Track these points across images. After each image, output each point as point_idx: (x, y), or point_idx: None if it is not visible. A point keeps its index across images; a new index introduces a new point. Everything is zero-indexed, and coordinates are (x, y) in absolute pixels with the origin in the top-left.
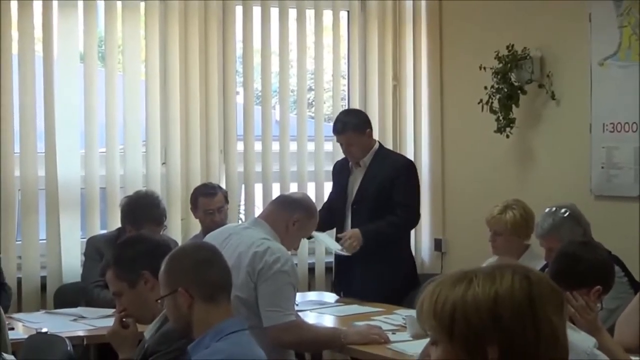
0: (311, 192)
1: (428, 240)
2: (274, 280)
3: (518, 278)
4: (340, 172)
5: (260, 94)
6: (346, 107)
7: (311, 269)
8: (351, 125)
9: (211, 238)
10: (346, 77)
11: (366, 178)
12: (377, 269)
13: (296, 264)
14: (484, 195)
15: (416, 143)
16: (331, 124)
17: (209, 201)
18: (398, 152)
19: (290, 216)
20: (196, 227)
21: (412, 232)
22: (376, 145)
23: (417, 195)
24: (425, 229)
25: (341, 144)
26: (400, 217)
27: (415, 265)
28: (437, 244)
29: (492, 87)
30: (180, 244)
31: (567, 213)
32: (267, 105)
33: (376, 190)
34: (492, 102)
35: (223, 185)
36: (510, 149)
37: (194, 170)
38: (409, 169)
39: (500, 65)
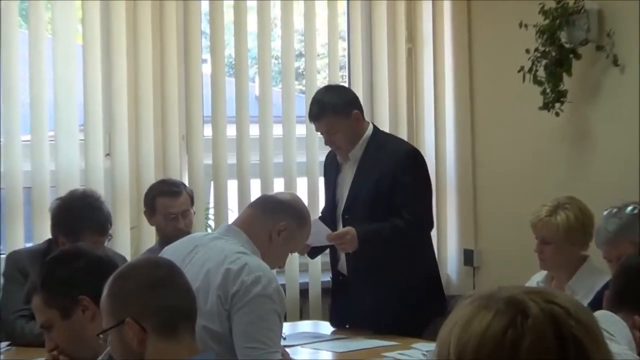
0: (302, 191)
1: (455, 251)
2: (254, 308)
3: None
4: (330, 170)
5: (233, 62)
6: (346, 78)
7: (304, 292)
8: (330, 106)
9: (171, 251)
10: (346, 39)
11: (358, 176)
12: (390, 290)
13: (283, 286)
14: (527, 192)
15: (438, 126)
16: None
17: (170, 202)
18: (410, 138)
19: (275, 223)
20: (150, 237)
21: (434, 241)
22: (369, 131)
23: (426, 192)
24: (452, 237)
25: (322, 133)
26: (408, 221)
27: (441, 283)
28: (468, 257)
29: (537, 50)
30: (129, 259)
31: (637, 210)
32: (243, 76)
33: (372, 192)
34: (536, 70)
35: (185, 182)
36: (560, 130)
37: (146, 163)
38: (413, 158)
39: (547, 21)
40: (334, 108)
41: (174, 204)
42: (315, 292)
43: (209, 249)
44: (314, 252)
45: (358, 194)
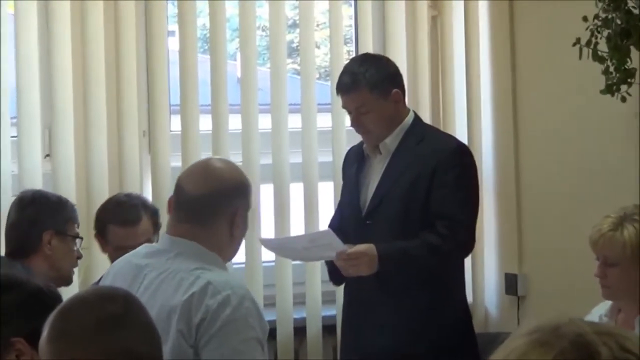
0: (299, 198)
1: (495, 277)
2: (225, 338)
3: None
4: (352, 166)
5: (207, 34)
6: (354, 54)
7: (299, 329)
8: (367, 79)
9: (111, 279)
10: (353, 5)
11: (389, 173)
12: (406, 324)
13: (273, 322)
14: (585, 200)
15: (470, 116)
16: (328, 83)
17: (127, 234)
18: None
19: (230, 209)
20: (104, 262)
21: (467, 262)
22: (409, 119)
23: (474, 203)
24: (491, 259)
25: (349, 112)
26: (445, 237)
27: (470, 317)
28: (510, 283)
29: (597, 17)
30: (76, 290)
31: None
32: (220, 52)
33: (404, 194)
34: (596, 43)
35: (147, 191)
36: (627, 119)
37: (97, 167)
38: (460, 155)
39: None
40: (370, 82)
41: (131, 236)
42: (314, 329)
43: (160, 270)
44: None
45: (386, 194)
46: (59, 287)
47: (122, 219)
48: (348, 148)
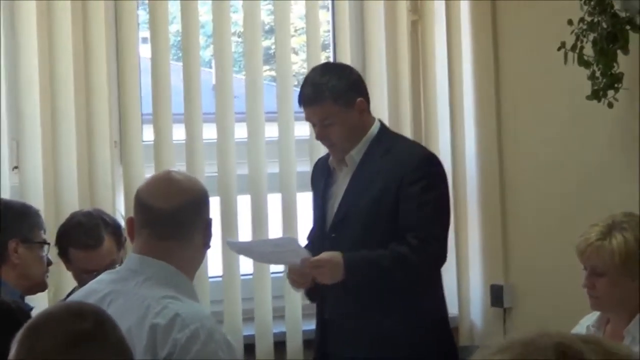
0: (274, 211)
1: (480, 288)
2: None
3: None
4: (319, 179)
5: (180, 40)
6: (332, 60)
7: (279, 344)
8: (328, 90)
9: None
10: (330, 8)
11: (354, 185)
12: (383, 341)
13: (251, 337)
14: (572, 208)
15: (454, 122)
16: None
17: (87, 257)
18: (416, 139)
19: (202, 220)
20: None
21: (452, 274)
22: (374, 128)
23: (443, 214)
24: (475, 269)
25: (313, 125)
26: (414, 248)
27: (450, 332)
28: (496, 295)
29: (583, 21)
30: (45, 305)
31: None
32: (193, 59)
33: (369, 206)
34: (582, 48)
35: (120, 203)
36: (614, 126)
37: (67, 179)
38: (427, 165)
39: None
40: (334, 93)
41: (93, 259)
42: (294, 344)
43: (124, 297)
44: (316, 291)
45: (351, 207)
46: (34, 294)
47: (83, 242)
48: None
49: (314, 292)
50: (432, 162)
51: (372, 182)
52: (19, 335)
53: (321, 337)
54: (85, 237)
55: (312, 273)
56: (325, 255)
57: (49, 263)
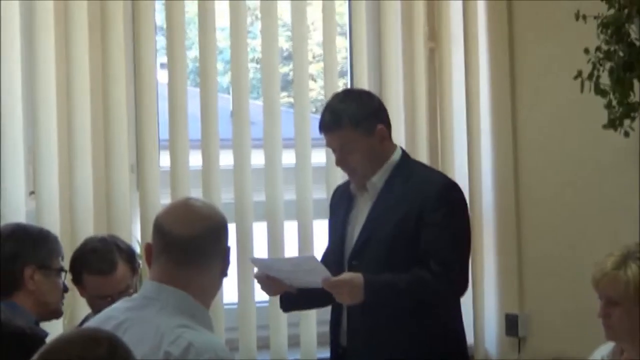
0: (292, 238)
1: (495, 317)
2: None
3: None
4: (339, 205)
5: (198, 66)
6: (349, 87)
7: None
8: (348, 116)
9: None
10: (347, 35)
11: (375, 212)
12: (391, 353)
13: None
14: (588, 238)
15: (470, 149)
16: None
17: (101, 283)
18: (433, 167)
19: (221, 248)
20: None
21: (467, 303)
22: (395, 155)
23: (465, 241)
24: (490, 299)
25: (333, 150)
26: (436, 274)
27: (466, 353)
28: (511, 324)
29: (599, 50)
30: (61, 331)
31: None
32: (211, 85)
33: (391, 234)
34: (598, 76)
35: (136, 229)
36: (630, 155)
37: (83, 204)
38: (449, 193)
39: (612, 11)
40: (353, 119)
41: (107, 285)
42: None
43: (139, 325)
44: (292, 301)
45: (372, 234)
46: (49, 320)
47: (97, 268)
48: None
49: (288, 303)
50: (453, 190)
51: (394, 209)
52: None
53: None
54: (99, 262)
55: (332, 293)
56: (345, 276)
57: (65, 290)
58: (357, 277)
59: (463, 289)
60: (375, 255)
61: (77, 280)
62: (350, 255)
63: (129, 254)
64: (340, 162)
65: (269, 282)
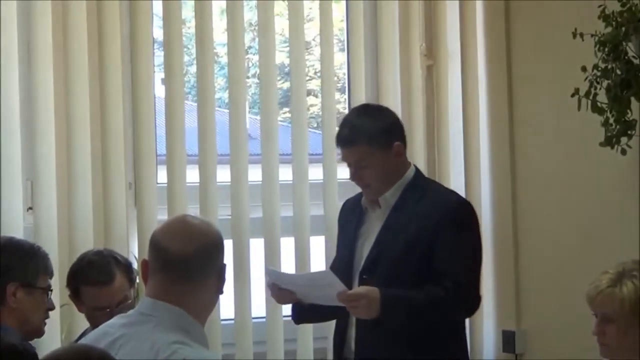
0: (289, 253)
1: (492, 334)
2: None
3: None
4: (349, 219)
5: (195, 82)
6: (347, 102)
7: None
8: (367, 132)
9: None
10: (345, 50)
11: (388, 228)
12: None
13: None
14: (584, 256)
15: (467, 167)
16: (320, 132)
17: (99, 294)
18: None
19: (217, 265)
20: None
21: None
22: (410, 172)
23: (477, 260)
24: (488, 315)
25: (349, 165)
26: (450, 292)
27: None
28: (508, 341)
29: (597, 67)
30: (58, 345)
31: None
32: (208, 101)
33: (403, 250)
34: (595, 94)
35: (133, 245)
36: (627, 173)
37: (81, 220)
38: (463, 212)
39: (609, 29)
40: (371, 135)
41: (105, 296)
42: None
43: (135, 341)
44: (303, 313)
45: (385, 250)
46: (30, 340)
47: (94, 279)
48: (339, 201)
49: (300, 315)
50: (467, 209)
51: (406, 226)
52: None
53: None
54: (96, 274)
55: (347, 307)
56: (362, 289)
57: (51, 308)
58: (373, 290)
59: (476, 307)
60: (386, 272)
61: (75, 295)
62: (361, 269)
63: (126, 266)
64: (354, 177)
65: (279, 292)
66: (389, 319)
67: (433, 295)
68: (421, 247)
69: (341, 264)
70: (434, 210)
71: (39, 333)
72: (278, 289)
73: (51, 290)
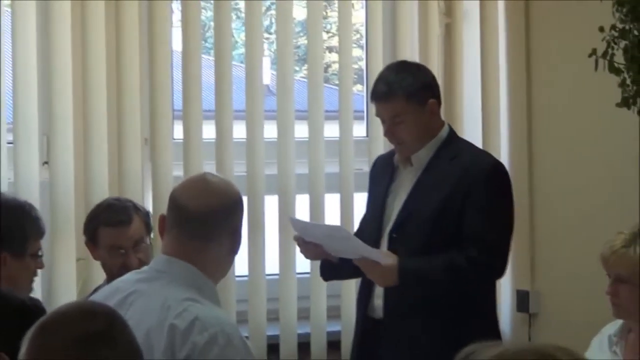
0: (304, 211)
1: (507, 294)
2: None
3: None
4: (380, 175)
5: (211, 43)
6: (364, 60)
7: (303, 345)
8: (402, 87)
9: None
10: (364, 7)
11: (419, 187)
12: (426, 342)
13: (276, 337)
14: (599, 217)
15: (485, 126)
16: (337, 87)
17: (117, 234)
18: None
19: (232, 225)
20: (101, 273)
21: None
22: (443, 132)
23: (508, 225)
24: None
25: (383, 121)
26: (474, 260)
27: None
28: (522, 301)
29: (614, 28)
30: (74, 299)
31: None
32: (225, 55)
33: (434, 211)
34: (613, 55)
35: (148, 201)
36: None
37: (97, 175)
38: (497, 174)
39: None
40: (407, 91)
41: (122, 235)
42: (318, 345)
43: (147, 297)
44: (331, 270)
45: (415, 209)
46: None
47: (113, 220)
48: (355, 159)
49: (328, 271)
50: (501, 171)
51: (439, 187)
52: (29, 333)
53: (365, 339)
54: (115, 214)
55: (365, 271)
56: (379, 256)
57: (39, 267)
58: (391, 260)
59: (501, 273)
60: (416, 231)
61: (92, 238)
62: (391, 227)
63: (144, 213)
64: (388, 133)
65: (307, 246)
66: (406, 289)
67: (454, 267)
68: (452, 208)
69: (371, 221)
70: (467, 171)
71: (27, 293)
72: (304, 242)
73: (41, 255)
